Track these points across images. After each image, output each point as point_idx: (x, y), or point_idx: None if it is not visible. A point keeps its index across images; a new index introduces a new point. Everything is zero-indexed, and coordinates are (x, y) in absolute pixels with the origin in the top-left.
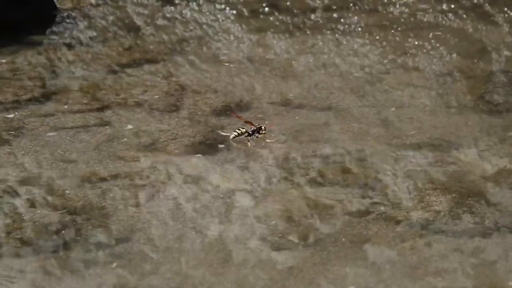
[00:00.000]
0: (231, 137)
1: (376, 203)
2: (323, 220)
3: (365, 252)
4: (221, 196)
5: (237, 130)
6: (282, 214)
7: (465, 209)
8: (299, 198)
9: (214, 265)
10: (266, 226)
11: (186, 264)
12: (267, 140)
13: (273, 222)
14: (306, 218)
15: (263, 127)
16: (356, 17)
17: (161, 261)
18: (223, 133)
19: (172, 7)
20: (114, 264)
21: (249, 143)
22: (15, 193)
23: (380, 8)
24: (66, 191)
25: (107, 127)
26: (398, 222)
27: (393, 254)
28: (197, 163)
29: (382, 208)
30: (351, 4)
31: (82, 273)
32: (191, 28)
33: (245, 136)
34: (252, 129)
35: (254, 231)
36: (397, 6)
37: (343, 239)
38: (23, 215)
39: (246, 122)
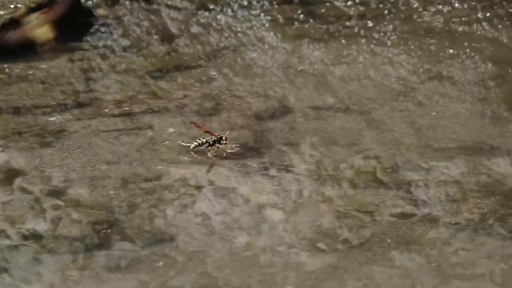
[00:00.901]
0: (191, 147)
1: (407, 213)
2: (351, 231)
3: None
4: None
5: (198, 140)
6: (312, 223)
7: (497, 217)
8: (330, 208)
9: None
10: (295, 236)
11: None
12: (228, 150)
13: (302, 233)
14: (335, 229)
15: (223, 137)
16: (390, 26)
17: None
18: (183, 144)
19: (206, 13)
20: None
21: (209, 154)
22: (59, 193)
23: (415, 16)
24: (110, 191)
25: (148, 130)
26: (429, 229)
27: (421, 259)
28: (232, 168)
29: (414, 217)
30: (386, 12)
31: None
32: (226, 35)
33: (206, 146)
34: (212, 139)
35: (284, 239)
36: (432, 15)
37: (375, 248)
38: (67, 214)
39: (207, 132)
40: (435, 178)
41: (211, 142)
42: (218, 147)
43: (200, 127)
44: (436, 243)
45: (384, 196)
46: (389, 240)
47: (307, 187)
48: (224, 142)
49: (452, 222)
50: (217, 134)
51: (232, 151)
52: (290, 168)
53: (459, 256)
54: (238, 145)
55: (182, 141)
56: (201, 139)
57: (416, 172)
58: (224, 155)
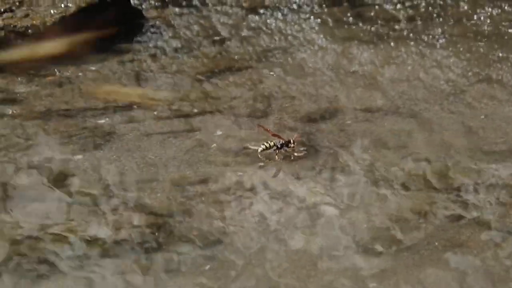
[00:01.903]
0: (259, 150)
1: (458, 215)
2: (404, 232)
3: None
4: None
5: (265, 144)
6: (365, 224)
7: None
8: (383, 209)
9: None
10: (351, 236)
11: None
12: (296, 154)
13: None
14: (389, 229)
15: (291, 140)
16: (439, 29)
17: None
18: (251, 147)
19: (256, 17)
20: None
21: (277, 157)
22: (111, 195)
23: (464, 19)
24: (158, 194)
25: (197, 132)
26: (480, 232)
27: (476, 262)
28: (282, 169)
29: (464, 220)
30: (435, 15)
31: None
32: (276, 38)
33: (274, 149)
34: (280, 142)
35: (339, 240)
36: (482, 18)
37: (423, 251)
38: (117, 216)
39: (274, 135)
40: (485, 180)
41: (279, 146)
42: (286, 151)
43: (267, 130)
44: (488, 246)
45: (435, 199)
46: (440, 243)
47: (360, 189)
48: (292, 145)
49: (500, 226)
50: (285, 138)
51: (300, 154)
52: (341, 171)
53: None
54: (305, 148)
55: (249, 145)
56: (269, 142)
57: (466, 175)
58: (292, 158)
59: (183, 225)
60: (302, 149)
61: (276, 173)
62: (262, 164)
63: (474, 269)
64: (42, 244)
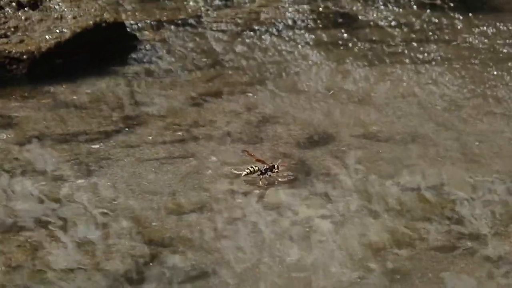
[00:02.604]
0: (243, 174)
1: (452, 232)
2: (401, 249)
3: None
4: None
5: (250, 168)
6: (360, 242)
7: None
8: (377, 226)
9: None
10: (345, 253)
11: None
12: (280, 179)
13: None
14: (384, 247)
15: (276, 166)
16: (435, 46)
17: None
18: (236, 171)
19: (251, 33)
20: None
21: (260, 182)
22: (102, 225)
23: (459, 38)
24: (153, 223)
25: (191, 159)
26: (473, 253)
27: (472, 283)
28: (280, 194)
29: (460, 239)
30: (430, 33)
31: None
32: (270, 54)
33: (258, 174)
34: (264, 167)
35: (333, 257)
36: (476, 36)
37: (417, 268)
38: (110, 245)
39: (258, 160)
40: (480, 196)
41: (263, 170)
42: (270, 176)
43: (251, 155)
44: (485, 263)
45: (430, 214)
46: (434, 260)
47: (354, 202)
48: (276, 170)
49: (497, 244)
50: (269, 163)
51: (284, 180)
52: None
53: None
54: (291, 173)
55: (234, 169)
56: (253, 167)
57: (461, 189)
58: (276, 183)
59: (178, 255)
60: (286, 174)
61: (271, 200)
62: (258, 191)
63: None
64: (30, 273)
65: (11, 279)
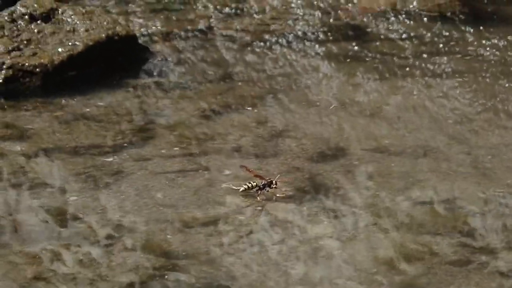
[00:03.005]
0: (240, 190)
1: (464, 245)
2: (410, 265)
3: None
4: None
5: (247, 184)
6: (369, 258)
7: None
8: (387, 242)
9: None
10: (353, 268)
11: None
12: (277, 195)
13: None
14: (393, 263)
15: (274, 181)
16: (445, 59)
17: None
18: (233, 187)
19: (261, 43)
20: None
21: (258, 198)
22: (116, 237)
23: (470, 51)
24: (167, 236)
25: (205, 172)
26: (485, 265)
27: None
28: (292, 210)
29: (470, 250)
30: (441, 46)
31: None
32: (281, 66)
33: (255, 190)
34: (262, 183)
35: (341, 272)
36: (488, 49)
37: (432, 286)
38: (125, 259)
39: (256, 176)
40: (491, 209)
41: (261, 186)
42: (268, 191)
43: (250, 171)
44: (496, 277)
45: (441, 228)
46: (445, 275)
47: (363, 219)
48: (274, 186)
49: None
50: (267, 178)
51: (282, 195)
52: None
53: None
54: (289, 189)
55: (232, 184)
56: (251, 182)
57: (473, 203)
58: (274, 199)
59: (193, 268)
60: (284, 189)
61: (283, 216)
62: (272, 204)
63: None
64: (45, 286)
65: None
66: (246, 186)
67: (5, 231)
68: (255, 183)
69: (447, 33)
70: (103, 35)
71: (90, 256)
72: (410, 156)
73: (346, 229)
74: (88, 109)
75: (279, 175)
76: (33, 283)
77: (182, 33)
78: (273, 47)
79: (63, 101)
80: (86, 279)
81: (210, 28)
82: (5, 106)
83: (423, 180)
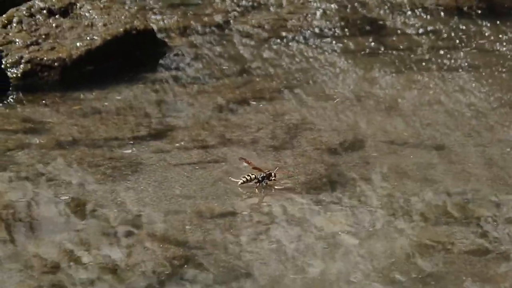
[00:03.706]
0: (239, 183)
1: (477, 247)
2: (425, 260)
3: None
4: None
5: (246, 176)
6: (385, 254)
7: None
8: (402, 239)
9: None
10: (369, 263)
11: None
12: (276, 187)
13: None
14: (408, 258)
15: (273, 174)
16: (462, 54)
17: None
18: (232, 179)
19: (278, 40)
20: None
21: (257, 190)
22: (136, 227)
23: (487, 45)
24: (186, 226)
25: (223, 163)
26: (499, 264)
27: None
28: (309, 201)
29: (482, 252)
30: (458, 41)
31: None
32: (298, 61)
33: (255, 182)
34: (261, 175)
35: (357, 268)
36: (504, 44)
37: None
38: (144, 248)
39: (255, 168)
40: (504, 212)
41: (259, 178)
42: (267, 184)
43: (249, 163)
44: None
45: (455, 230)
46: (458, 274)
47: (379, 218)
48: (273, 178)
49: None
50: (266, 170)
51: (281, 187)
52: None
53: None
54: (288, 182)
55: (231, 177)
56: (250, 175)
57: (486, 207)
58: (273, 191)
59: (211, 257)
60: (283, 182)
61: (300, 207)
62: (287, 195)
63: None
64: (67, 276)
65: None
66: (244, 179)
67: (23, 222)
68: (253, 176)
69: (463, 28)
70: (121, 29)
71: (108, 247)
72: (425, 152)
73: (362, 222)
74: (106, 103)
75: (277, 168)
76: (51, 274)
77: (199, 28)
78: (290, 43)
79: (81, 95)
80: (105, 269)
81: (227, 23)
82: (24, 100)
83: (437, 180)
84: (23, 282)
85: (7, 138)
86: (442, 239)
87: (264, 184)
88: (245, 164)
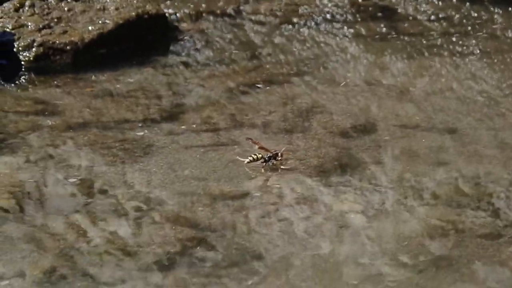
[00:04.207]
0: (245, 162)
1: (488, 226)
2: (434, 240)
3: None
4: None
5: (253, 155)
6: (394, 235)
7: None
8: (412, 219)
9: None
10: (378, 246)
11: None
12: (282, 167)
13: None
14: (418, 239)
15: (279, 154)
16: (474, 41)
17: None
18: (240, 158)
19: (290, 26)
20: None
21: (263, 169)
22: (148, 209)
23: (498, 32)
24: (198, 208)
25: (235, 146)
26: (509, 244)
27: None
28: (320, 184)
29: (494, 231)
30: (469, 28)
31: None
32: (309, 47)
33: (261, 162)
34: (268, 155)
35: (365, 250)
36: None
37: (451, 261)
38: (156, 230)
39: (261, 148)
40: None
41: (266, 158)
42: (273, 163)
43: (255, 143)
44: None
45: (466, 211)
46: (467, 254)
47: (389, 198)
48: (279, 158)
49: None
50: (273, 150)
51: (286, 167)
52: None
53: None
54: (293, 161)
55: (238, 156)
56: (257, 154)
57: (499, 188)
58: (279, 171)
59: (224, 240)
60: (289, 162)
61: (314, 191)
62: (299, 177)
63: (506, 280)
64: (81, 256)
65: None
66: (251, 158)
67: (35, 204)
68: (260, 155)
69: (475, 14)
70: (133, 13)
71: (120, 228)
72: (436, 137)
73: (374, 204)
74: (118, 86)
75: (284, 148)
76: (62, 254)
77: (211, 14)
78: (301, 29)
79: (93, 77)
80: (116, 250)
81: (239, 9)
82: (36, 82)
83: (448, 161)
84: (36, 263)
85: (19, 120)
86: (453, 220)
87: (271, 164)
88: (253, 145)
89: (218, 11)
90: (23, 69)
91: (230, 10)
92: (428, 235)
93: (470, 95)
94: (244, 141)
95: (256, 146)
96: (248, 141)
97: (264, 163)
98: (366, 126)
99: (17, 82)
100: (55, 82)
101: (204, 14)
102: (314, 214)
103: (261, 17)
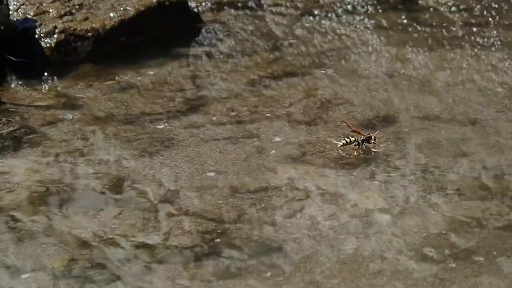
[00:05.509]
0: (339, 145)
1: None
2: (459, 235)
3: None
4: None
5: (346, 139)
6: (419, 229)
7: None
8: (436, 214)
9: None
10: (403, 241)
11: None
12: (374, 150)
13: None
14: (442, 233)
15: (373, 137)
16: (495, 32)
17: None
18: (334, 141)
19: (311, 17)
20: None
21: (355, 152)
22: (168, 202)
23: None
24: (218, 201)
25: (255, 139)
26: None
27: None
28: (342, 177)
29: None
30: (490, 19)
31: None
32: (330, 39)
33: (354, 145)
34: (362, 138)
35: (391, 245)
36: None
37: (477, 257)
38: (177, 223)
39: (354, 131)
40: None
41: (360, 141)
42: (366, 147)
43: (349, 126)
44: None
45: (490, 204)
46: (494, 249)
47: (413, 194)
48: (373, 141)
49: None
50: (366, 134)
51: (378, 150)
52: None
53: None
54: (384, 145)
55: (333, 139)
56: (350, 137)
57: None
58: (372, 154)
59: (236, 232)
60: (382, 145)
61: (332, 181)
62: (320, 170)
63: None
64: (100, 250)
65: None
66: (345, 141)
67: (57, 197)
68: (354, 138)
69: (496, 5)
70: (154, 0)
71: (141, 221)
72: (458, 129)
73: (396, 197)
74: (139, 78)
75: (378, 131)
76: (84, 248)
77: (232, 6)
78: (322, 20)
79: (115, 69)
80: (138, 243)
81: (259, 2)
82: (57, 75)
83: (471, 154)
84: (57, 256)
85: (41, 114)
86: (477, 214)
87: (364, 147)
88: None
89: (239, 3)
90: (44, 56)
91: (251, 3)
92: (452, 230)
93: (491, 87)
94: (265, 133)
95: (350, 129)
96: (342, 124)
97: (358, 146)
98: (387, 118)
99: (38, 75)
100: (77, 74)
101: (226, 6)
102: (338, 208)
103: (282, 9)
